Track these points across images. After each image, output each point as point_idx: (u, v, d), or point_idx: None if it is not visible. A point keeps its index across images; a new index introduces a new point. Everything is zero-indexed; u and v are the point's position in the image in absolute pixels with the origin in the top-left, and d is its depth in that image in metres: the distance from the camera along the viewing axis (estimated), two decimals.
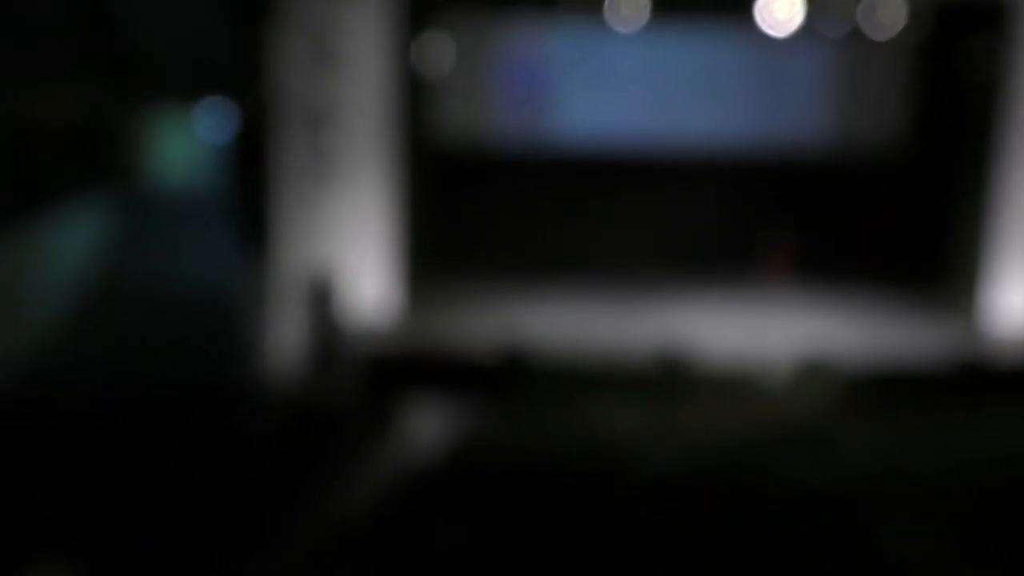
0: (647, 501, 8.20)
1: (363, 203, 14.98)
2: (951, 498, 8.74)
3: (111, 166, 21.14)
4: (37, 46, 18.29)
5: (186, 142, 23.56)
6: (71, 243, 17.82)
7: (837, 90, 17.79)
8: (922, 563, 7.05)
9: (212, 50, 16.59)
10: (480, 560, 6.80)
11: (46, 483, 8.44)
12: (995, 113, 15.33)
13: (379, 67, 14.86)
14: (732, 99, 17.64)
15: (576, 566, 6.76)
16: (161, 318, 16.21)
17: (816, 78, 17.75)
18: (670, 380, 13.05)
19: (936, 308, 16.26)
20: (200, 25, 16.80)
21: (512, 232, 18.02)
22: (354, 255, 14.89)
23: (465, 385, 13.04)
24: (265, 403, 11.75)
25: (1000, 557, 7.84)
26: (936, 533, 8.57)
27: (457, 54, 17.11)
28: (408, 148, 15.25)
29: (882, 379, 13.27)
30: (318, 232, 14.31)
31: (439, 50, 16.59)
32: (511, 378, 13.01)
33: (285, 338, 13.80)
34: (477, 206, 17.81)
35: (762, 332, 14.69)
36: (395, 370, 13.48)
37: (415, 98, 15.40)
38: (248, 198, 13.41)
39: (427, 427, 11.90)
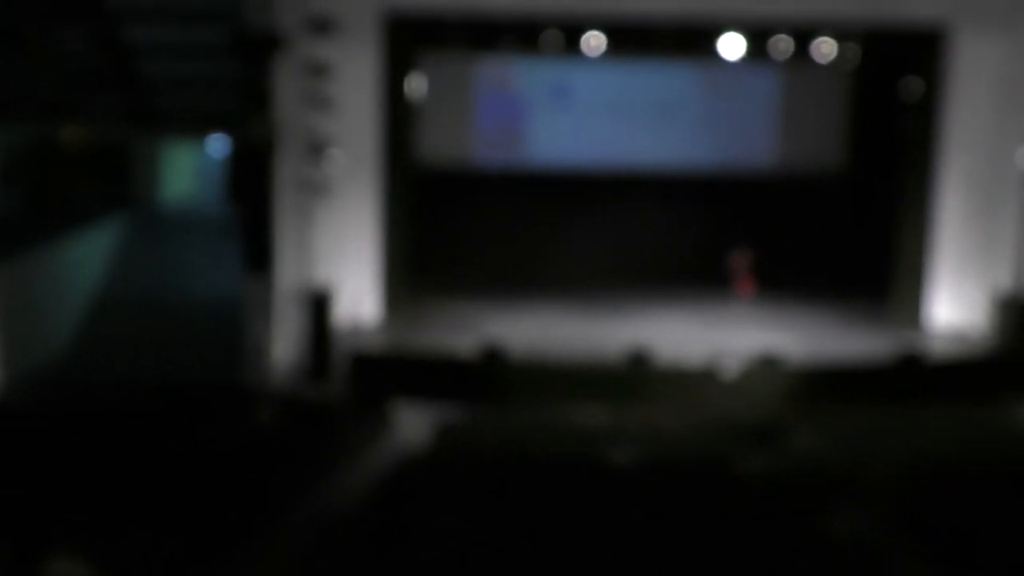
0: (614, 488, 8.14)
1: (354, 221, 14.89)
2: (893, 485, 8.70)
3: (132, 190, 21.11)
4: (74, 86, 18.28)
5: (196, 168, 23.52)
6: (91, 256, 17.72)
7: (784, 115, 17.81)
8: (866, 546, 6.98)
9: (221, 87, 16.53)
10: (464, 542, 6.73)
11: (63, 478, 8.32)
12: (931, 133, 15.39)
13: (369, 101, 14.77)
14: (689, 124, 17.66)
15: (551, 546, 6.68)
16: (171, 324, 16.13)
17: (765, 103, 17.78)
18: (634, 379, 13.00)
19: (876, 312, 16.25)
20: (210, 66, 16.75)
21: (489, 247, 17.96)
22: (346, 267, 14.76)
23: (447, 384, 12.96)
24: (265, 400, 11.65)
25: (938, 538, 7.79)
26: (876, 519, 8.53)
27: (438, 87, 17.07)
28: (395, 173, 15.17)
29: (828, 374, 13.24)
30: (313, 247, 14.19)
31: (423, 85, 16.55)
32: (489, 377, 12.94)
33: (283, 342, 13.66)
34: (457, 224, 17.75)
35: (720, 336, 14.68)
36: (382, 371, 13.36)
37: (401, 128, 15.33)
38: (251, 217, 13.32)
39: (412, 422, 11.81)
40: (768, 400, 12.83)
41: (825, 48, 15.84)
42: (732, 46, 15.20)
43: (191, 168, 23.16)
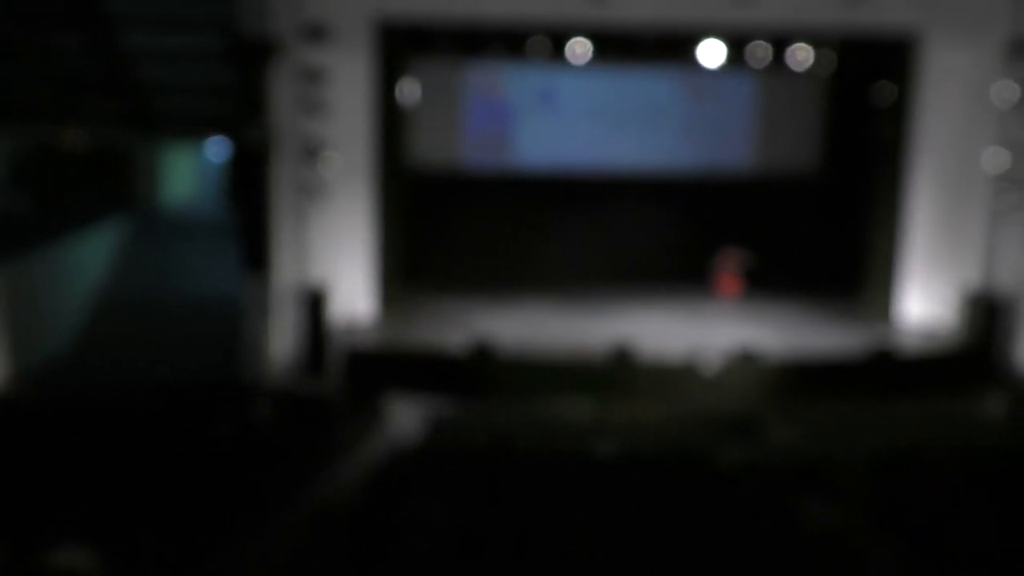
0: (599, 479, 8.18)
1: (348, 222, 14.92)
2: (866, 475, 8.75)
3: (132, 192, 21.09)
4: (75, 91, 18.27)
5: (194, 171, 23.50)
6: (92, 257, 17.69)
7: (762, 120, 17.87)
8: (837, 538, 7.03)
9: (218, 93, 16.52)
10: (455, 531, 6.77)
11: (67, 472, 8.33)
12: (903, 137, 15.47)
13: (361, 106, 14.79)
14: (670, 129, 17.70)
15: (538, 535, 6.73)
16: (171, 323, 16.11)
17: (743, 109, 17.84)
18: (618, 374, 13.05)
19: (849, 310, 16.34)
20: (208, 71, 16.76)
21: (479, 247, 17.98)
22: (340, 267, 14.80)
23: (438, 380, 13.00)
24: (263, 395, 11.66)
25: (909, 526, 7.86)
26: (851, 510, 8.60)
27: (430, 94, 17.09)
28: (387, 176, 15.19)
29: (804, 369, 13.31)
30: (309, 247, 14.20)
31: (414, 91, 16.58)
32: (478, 373, 12.98)
33: (280, 340, 13.65)
34: (448, 224, 17.77)
35: (700, 333, 14.74)
36: (376, 367, 13.39)
37: (393, 133, 15.34)
38: (248, 218, 13.31)
39: (405, 416, 11.84)
40: (747, 394, 12.91)
41: (801, 55, 15.91)
42: (712, 54, 15.26)
43: (190, 171, 23.13)
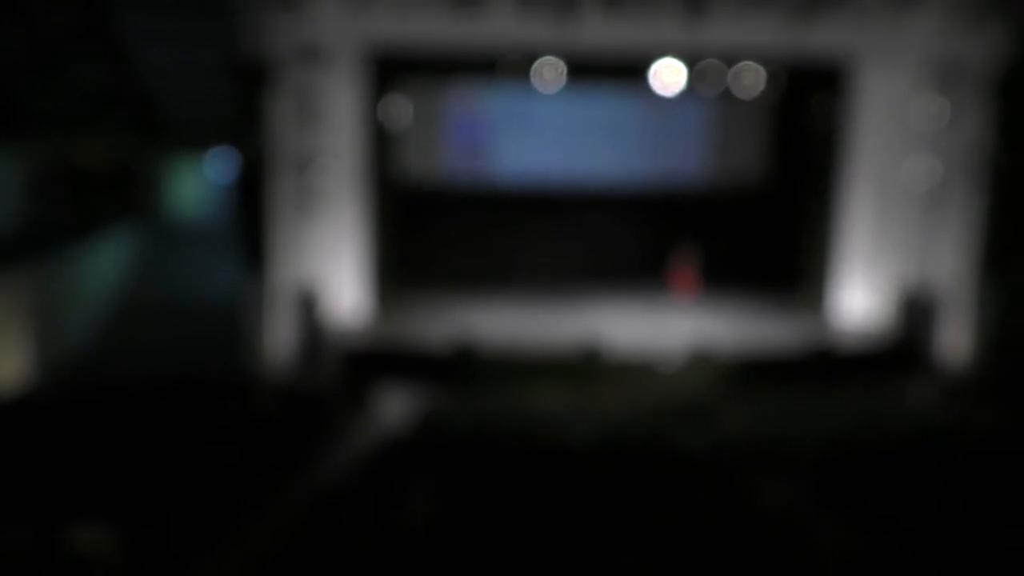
0: (571, 463, 8.21)
1: (340, 229, 14.92)
2: (809, 461, 8.80)
3: (143, 202, 20.92)
4: (88, 107, 18.09)
5: (198, 182, 23.34)
6: (108, 262, 17.56)
7: (714, 138, 17.96)
8: (786, 513, 7.09)
9: (219, 109, 16.41)
10: (442, 512, 6.79)
11: (86, 457, 8.29)
12: (836, 156, 15.62)
13: (352, 121, 14.83)
14: (633, 145, 17.78)
15: (516, 514, 6.76)
16: (179, 322, 16.01)
17: (697, 128, 17.92)
18: (588, 367, 13.08)
19: (794, 309, 16.49)
20: (211, 89, 16.64)
21: (460, 252, 18.01)
22: (334, 270, 14.83)
23: (425, 373, 13.01)
24: (263, 388, 11.62)
25: (850, 507, 7.93)
26: (798, 488, 8.66)
27: (414, 111, 17.09)
28: (376, 186, 15.22)
29: (754, 363, 13.41)
30: (304, 252, 14.21)
31: (400, 108, 16.56)
32: (462, 367, 12.98)
33: (279, 337, 13.69)
34: (433, 231, 17.78)
35: (661, 329, 14.80)
36: (368, 362, 13.42)
37: (381, 146, 15.37)
38: (248, 226, 13.26)
39: (394, 407, 11.85)
40: (704, 386, 12.99)
41: (747, 77, 16.04)
42: (670, 79, 15.31)
43: (195, 182, 22.96)
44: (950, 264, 14.63)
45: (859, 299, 15.67)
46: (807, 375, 13.32)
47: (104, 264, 16.93)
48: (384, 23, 13.94)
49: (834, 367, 13.60)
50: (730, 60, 16.26)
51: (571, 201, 18.02)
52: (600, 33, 14.01)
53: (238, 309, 13.46)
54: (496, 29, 13.89)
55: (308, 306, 13.78)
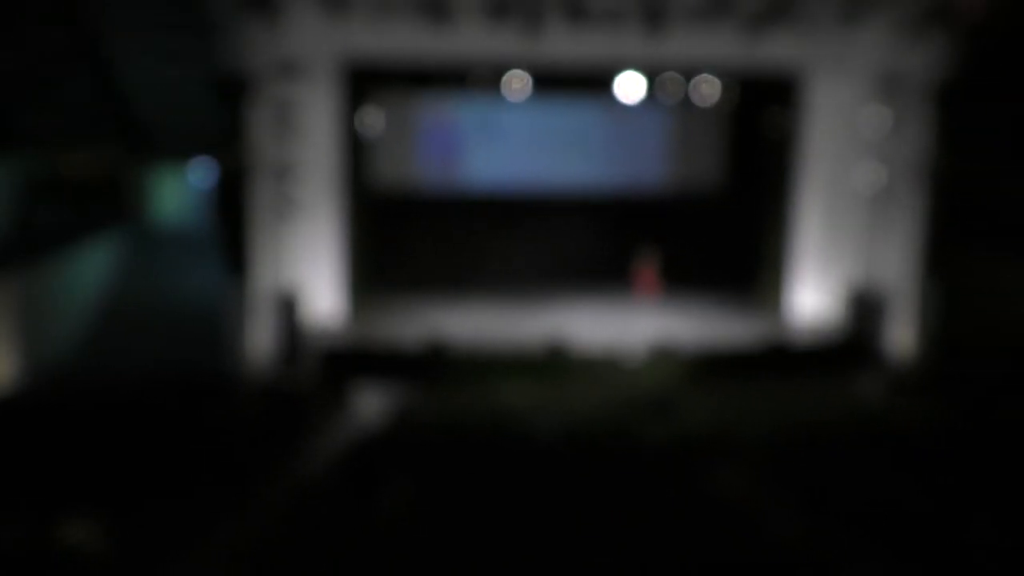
0: (539, 455, 8.25)
1: (318, 235, 14.84)
2: (765, 451, 8.87)
3: (126, 210, 20.74)
4: (75, 120, 17.92)
5: (182, 190, 23.14)
6: (95, 267, 17.41)
7: (673, 146, 18.05)
8: (743, 501, 7.16)
9: (202, 121, 16.32)
10: (416, 501, 6.81)
11: (75, 456, 8.25)
12: (789, 163, 15.74)
13: (329, 132, 14.74)
14: (597, 153, 17.83)
15: (487, 504, 6.80)
16: (163, 325, 15.90)
17: (658, 137, 18.01)
18: (554, 364, 13.12)
19: (751, 308, 16.60)
20: (192, 102, 16.56)
21: (433, 256, 17.95)
22: (312, 274, 14.73)
23: (400, 372, 12.99)
24: (245, 387, 11.57)
25: (803, 496, 8.03)
26: (754, 477, 8.75)
27: (389, 121, 17.07)
28: (352, 193, 15.16)
29: (713, 359, 13.48)
30: (284, 257, 14.12)
31: (375, 118, 16.54)
32: (435, 365, 12.97)
33: (260, 339, 13.60)
34: (406, 236, 17.73)
35: (624, 328, 14.87)
36: (345, 362, 13.37)
37: (357, 155, 15.32)
38: (230, 232, 13.21)
39: (371, 405, 11.84)
40: (664, 380, 13.04)
41: (705, 89, 16.16)
42: (633, 90, 15.40)
43: (178, 191, 22.79)
44: (896, 264, 14.80)
45: (811, 298, 15.78)
46: (763, 370, 13.40)
47: (91, 269, 16.76)
48: (360, 37, 13.91)
49: (788, 362, 13.70)
50: (688, 72, 16.37)
51: (538, 207, 18.01)
52: (565, 47, 14.04)
53: (220, 312, 13.40)
54: (467, 43, 13.90)
55: (288, 309, 13.74)
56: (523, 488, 7.18)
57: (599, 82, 16.70)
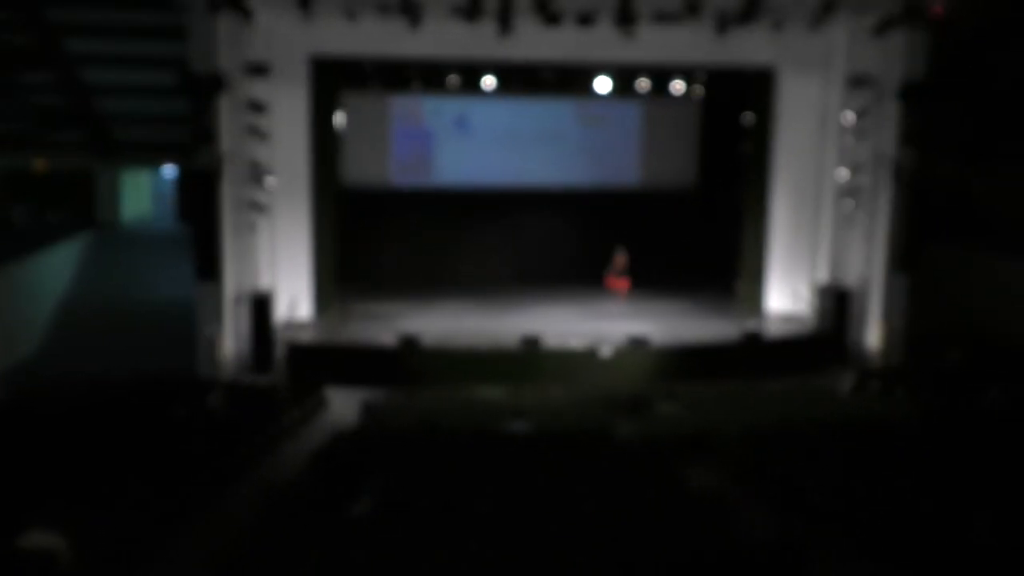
0: (512, 453, 8.19)
1: (290, 234, 14.69)
2: (737, 443, 8.86)
3: (95, 211, 20.59)
4: (41, 123, 17.77)
5: (150, 191, 22.97)
6: (62, 268, 17.25)
7: (647, 147, 18.05)
8: (716, 496, 7.14)
9: (172, 122, 16.18)
10: (388, 501, 6.73)
11: (40, 460, 8.09)
12: (764, 156, 15.77)
13: (300, 132, 14.62)
14: (571, 151, 17.83)
15: (460, 502, 6.73)
16: (133, 325, 15.75)
17: (632, 138, 18.02)
18: (528, 360, 13.04)
19: (723, 304, 16.62)
20: (162, 104, 16.43)
21: (405, 254, 17.93)
22: (283, 273, 14.62)
23: (371, 370, 12.88)
24: (216, 387, 11.42)
25: (774, 486, 8.02)
26: (727, 470, 8.75)
27: (360, 121, 16.98)
28: (324, 193, 15.04)
29: (686, 354, 13.46)
30: (255, 257, 13.99)
31: (347, 118, 16.45)
32: (407, 363, 12.88)
33: (231, 338, 13.42)
34: (378, 235, 17.68)
35: (598, 324, 14.83)
36: (316, 360, 13.22)
37: (328, 155, 15.23)
38: (201, 233, 13.05)
39: (342, 403, 11.74)
40: (637, 376, 13.03)
41: (678, 88, 16.17)
42: (602, 83, 15.40)
43: (148, 192, 22.69)
44: (865, 261, 14.86)
45: (782, 294, 15.85)
46: (736, 365, 13.42)
47: (55, 271, 16.64)
48: (330, 37, 13.81)
49: (760, 357, 13.73)
50: (661, 72, 16.41)
51: (509, 205, 18.04)
52: (538, 48, 14.02)
53: (191, 312, 13.27)
54: (440, 44, 13.85)
55: (258, 308, 13.59)
56: (497, 487, 7.12)
57: (572, 81, 16.73)
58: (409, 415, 9.85)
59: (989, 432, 9.01)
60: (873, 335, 14.82)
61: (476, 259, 18.16)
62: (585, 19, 13.02)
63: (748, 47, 14.49)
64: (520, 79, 16.26)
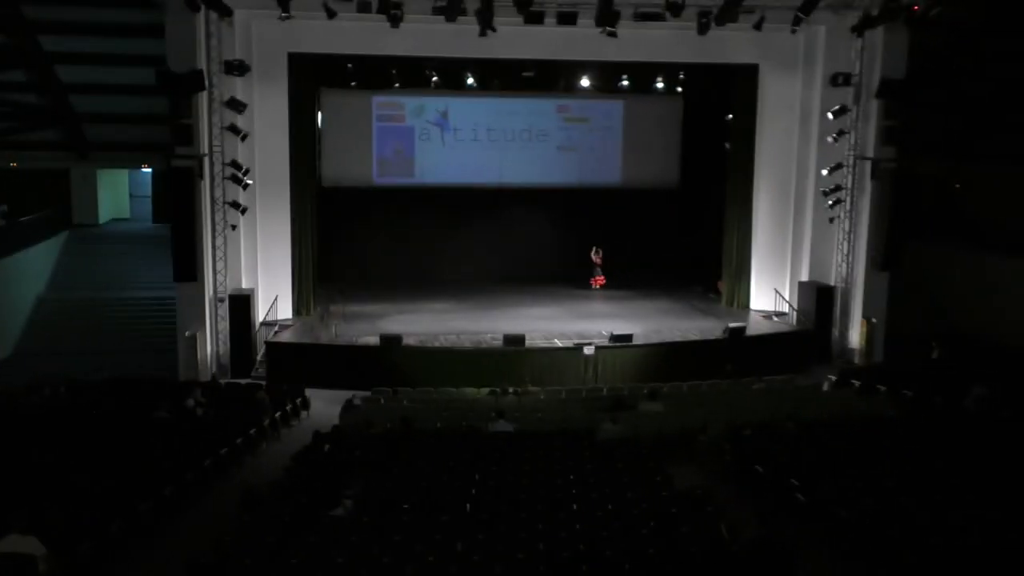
0: (495, 452, 8.13)
1: (270, 234, 14.51)
2: (720, 440, 8.84)
3: (73, 211, 20.43)
4: (18, 122, 17.58)
5: (133, 190, 22.78)
6: (42, 267, 17.12)
7: (628, 139, 18.00)
8: (700, 491, 7.10)
9: (151, 122, 16.04)
10: (368, 499, 6.65)
11: (17, 460, 7.97)
12: (747, 155, 15.68)
13: (280, 131, 14.45)
14: (549, 147, 17.74)
15: (442, 501, 6.67)
16: (113, 324, 15.63)
17: (612, 131, 17.98)
18: (510, 361, 12.96)
19: (707, 301, 16.65)
20: (141, 103, 16.31)
21: (386, 253, 17.81)
22: (264, 273, 14.47)
23: (352, 369, 12.78)
24: (197, 386, 11.31)
25: (757, 483, 7.98)
26: (710, 466, 8.71)
27: (341, 120, 16.86)
28: (304, 192, 14.91)
29: (669, 354, 13.40)
30: (236, 256, 13.92)
31: (327, 117, 16.34)
32: (387, 363, 12.78)
33: (211, 337, 13.33)
34: (359, 234, 17.55)
35: (579, 322, 14.74)
36: (297, 359, 13.09)
37: (309, 154, 15.12)
38: (181, 232, 12.93)
39: (323, 400, 11.64)
40: (620, 373, 12.96)
41: (660, 87, 16.12)
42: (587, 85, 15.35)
43: (125, 192, 22.51)
44: (846, 259, 14.90)
45: (764, 290, 15.85)
46: (718, 363, 13.39)
47: (38, 270, 16.53)
48: (311, 37, 13.68)
49: (743, 355, 13.70)
50: (643, 71, 16.37)
51: (491, 204, 17.94)
52: (520, 47, 13.97)
53: (171, 311, 13.15)
54: (420, 42, 13.77)
55: (240, 307, 13.49)
56: (480, 488, 7.07)
57: (552, 77, 16.67)
58: (391, 415, 9.75)
59: (972, 429, 9.02)
60: (856, 333, 14.83)
61: (458, 256, 18.11)
62: (566, 19, 12.94)
63: (730, 46, 14.49)
64: (501, 76, 16.20)
